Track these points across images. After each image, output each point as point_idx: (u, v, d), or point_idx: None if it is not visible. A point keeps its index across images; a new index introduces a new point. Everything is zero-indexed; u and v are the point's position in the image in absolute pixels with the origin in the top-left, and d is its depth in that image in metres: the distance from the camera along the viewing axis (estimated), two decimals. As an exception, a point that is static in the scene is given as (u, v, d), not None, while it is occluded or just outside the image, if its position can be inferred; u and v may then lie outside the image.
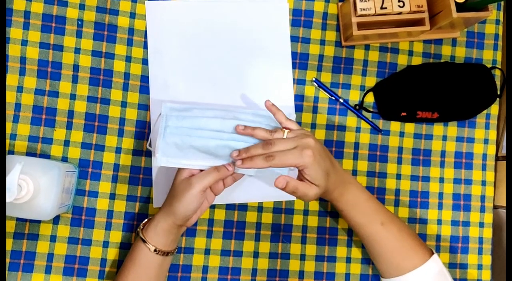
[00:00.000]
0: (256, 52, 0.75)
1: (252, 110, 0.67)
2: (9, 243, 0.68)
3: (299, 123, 0.74)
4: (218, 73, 0.74)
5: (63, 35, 0.71)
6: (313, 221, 0.74)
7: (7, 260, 0.68)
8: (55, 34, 0.71)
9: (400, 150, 0.76)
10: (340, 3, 0.76)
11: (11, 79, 0.70)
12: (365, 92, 0.76)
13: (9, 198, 0.54)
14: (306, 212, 0.74)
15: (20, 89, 0.70)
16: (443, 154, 0.77)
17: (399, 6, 0.68)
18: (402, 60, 0.77)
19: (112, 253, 0.70)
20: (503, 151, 0.78)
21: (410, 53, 0.77)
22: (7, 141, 0.69)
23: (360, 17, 0.69)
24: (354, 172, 0.75)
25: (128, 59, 0.73)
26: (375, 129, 0.76)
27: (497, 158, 0.79)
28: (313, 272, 0.73)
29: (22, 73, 0.70)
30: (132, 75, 0.73)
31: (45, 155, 0.70)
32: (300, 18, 0.76)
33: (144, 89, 0.73)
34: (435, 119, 0.76)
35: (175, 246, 0.66)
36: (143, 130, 0.72)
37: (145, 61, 0.73)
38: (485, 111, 0.78)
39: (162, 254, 0.63)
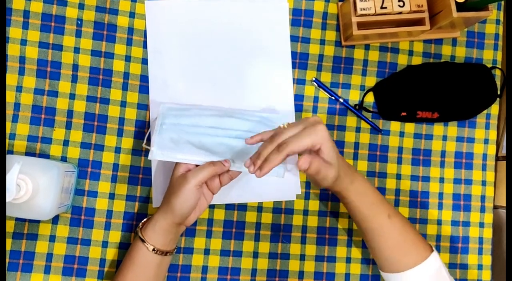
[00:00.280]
0: (256, 52, 0.75)
1: (250, 111, 0.67)
2: (8, 243, 0.68)
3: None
4: (218, 73, 0.74)
5: (62, 35, 0.71)
6: (313, 221, 0.74)
7: (6, 260, 0.68)
8: (55, 34, 0.71)
9: (400, 150, 0.76)
10: (340, 3, 0.76)
11: (11, 79, 0.70)
12: (365, 92, 0.76)
13: (7, 198, 0.54)
14: (306, 212, 0.74)
15: (19, 88, 0.70)
16: (443, 154, 0.77)
17: (399, 5, 0.68)
18: (402, 60, 0.77)
19: (111, 253, 0.70)
20: (503, 151, 0.78)
21: (410, 53, 0.77)
22: (6, 140, 0.69)
23: (360, 16, 0.69)
24: (354, 172, 0.75)
25: (128, 58, 0.73)
26: (375, 129, 0.76)
27: (497, 158, 0.79)
28: (313, 272, 0.73)
29: (21, 73, 0.70)
30: (131, 75, 0.72)
31: (44, 155, 0.70)
32: (300, 17, 0.76)
33: (144, 88, 0.73)
34: (435, 119, 0.75)
35: (174, 246, 0.66)
36: (142, 130, 0.72)
37: (144, 61, 0.73)
38: (485, 111, 0.78)
39: (160, 254, 0.63)
